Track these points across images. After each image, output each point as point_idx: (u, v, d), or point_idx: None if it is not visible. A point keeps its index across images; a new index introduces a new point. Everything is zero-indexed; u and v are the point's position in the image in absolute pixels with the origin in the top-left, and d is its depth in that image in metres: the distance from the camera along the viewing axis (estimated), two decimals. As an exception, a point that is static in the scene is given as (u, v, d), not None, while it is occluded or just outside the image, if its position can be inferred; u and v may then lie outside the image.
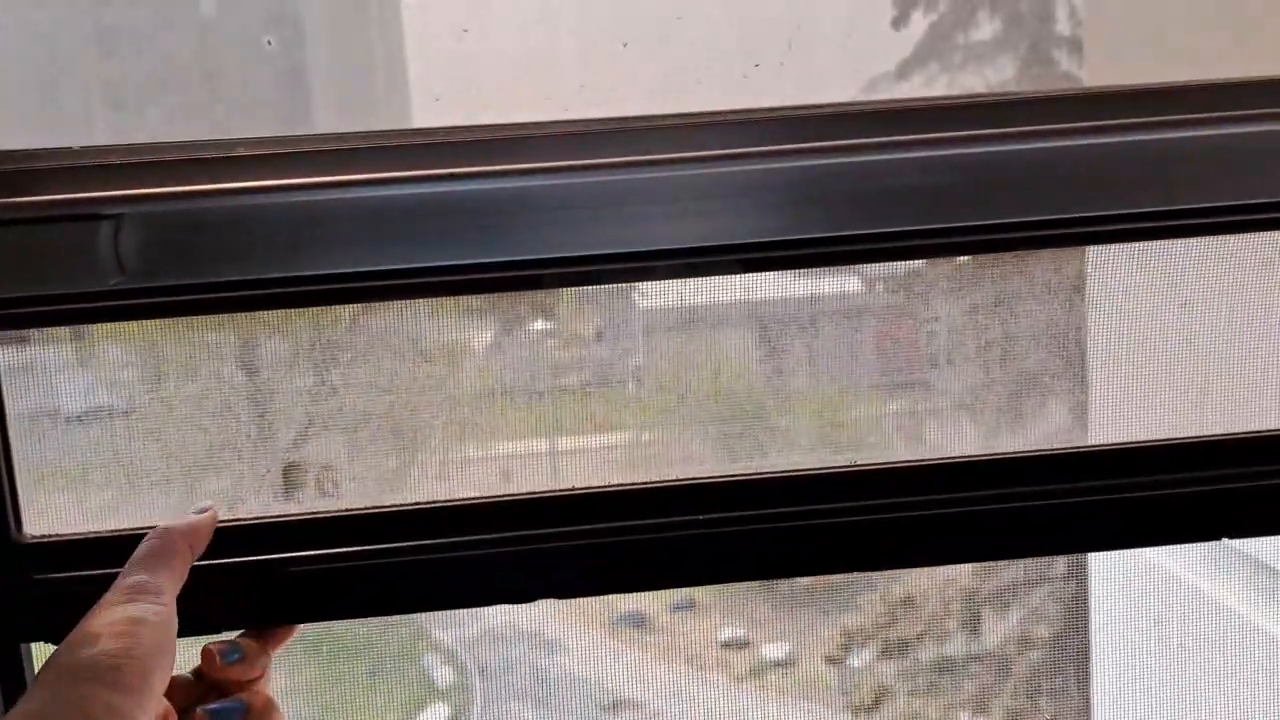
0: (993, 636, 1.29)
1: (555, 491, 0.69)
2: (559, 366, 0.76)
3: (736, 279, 0.69)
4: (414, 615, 1.17)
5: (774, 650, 1.29)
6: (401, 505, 0.68)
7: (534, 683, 1.19)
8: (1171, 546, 1.13)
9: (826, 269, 0.71)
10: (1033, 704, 1.24)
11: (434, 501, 0.69)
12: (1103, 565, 1.16)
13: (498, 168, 0.62)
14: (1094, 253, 0.73)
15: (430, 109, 0.64)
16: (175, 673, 0.59)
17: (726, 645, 1.28)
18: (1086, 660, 1.17)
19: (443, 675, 1.19)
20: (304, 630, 1.00)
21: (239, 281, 0.62)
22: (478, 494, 0.69)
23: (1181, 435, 0.71)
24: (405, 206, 0.61)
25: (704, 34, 0.64)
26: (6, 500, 0.65)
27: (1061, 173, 0.62)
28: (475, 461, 0.73)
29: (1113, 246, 0.72)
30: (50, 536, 0.66)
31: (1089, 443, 0.74)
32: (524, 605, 1.23)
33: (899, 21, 0.98)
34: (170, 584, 0.57)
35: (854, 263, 0.73)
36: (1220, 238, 0.70)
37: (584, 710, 1.18)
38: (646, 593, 1.24)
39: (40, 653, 0.67)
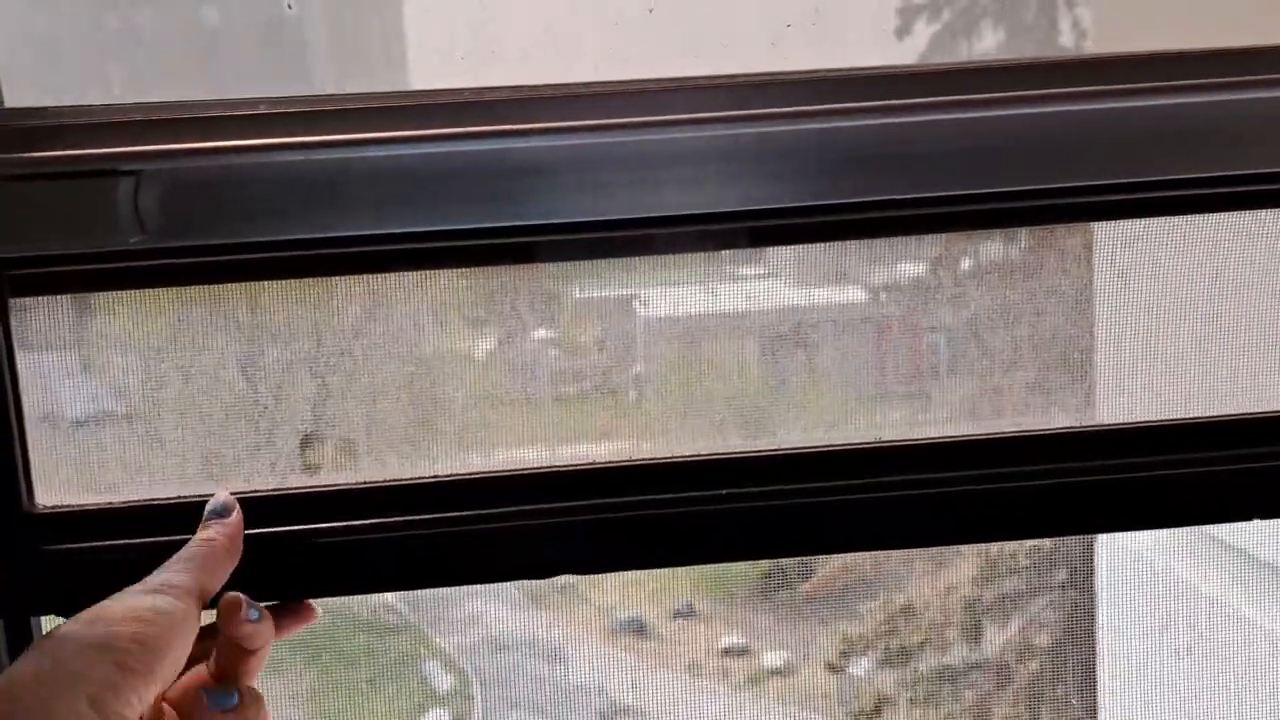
0: (991, 645, 1.28)
1: (577, 465, 0.68)
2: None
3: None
4: (414, 619, 1.16)
5: (773, 658, 1.28)
6: (422, 478, 0.67)
7: (534, 690, 1.18)
8: (1178, 550, 1.13)
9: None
10: (1035, 713, 1.23)
11: (454, 474, 0.68)
12: (1108, 569, 1.16)
13: (504, 128, 0.61)
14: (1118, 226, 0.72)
15: (452, 72, 0.63)
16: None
17: (726, 653, 1.27)
18: (1092, 669, 1.17)
19: (443, 682, 1.18)
20: (304, 637, 0.98)
21: (255, 244, 0.61)
22: (499, 468, 0.68)
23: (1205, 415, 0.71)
24: (408, 167, 0.60)
25: (729, -1, 0.64)
26: (19, 470, 0.63)
27: (1107, 139, 0.62)
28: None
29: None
30: (62, 507, 0.65)
31: (1100, 422, 0.74)
32: (523, 608, 1.21)
33: (901, 31, 0.98)
34: (199, 587, 0.56)
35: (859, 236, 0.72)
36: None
37: (583, 717, 1.17)
38: (651, 593, 1.23)
39: (50, 626, 0.65)
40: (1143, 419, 0.71)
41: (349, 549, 0.65)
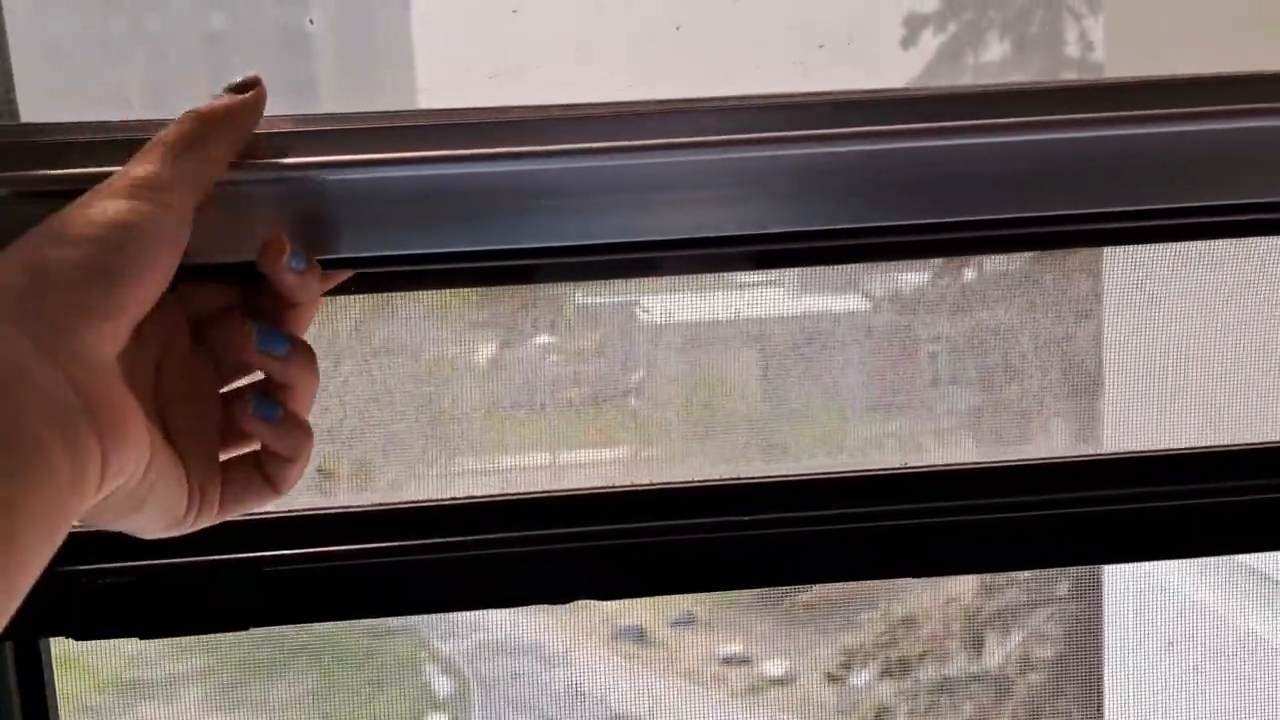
0: (994, 657, 1.29)
1: (591, 490, 0.67)
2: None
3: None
4: (414, 622, 1.15)
5: (773, 667, 1.28)
6: (439, 501, 0.66)
7: (533, 695, 1.18)
8: (1186, 567, 1.13)
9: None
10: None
11: (471, 498, 0.67)
12: (1115, 586, 1.16)
13: (524, 149, 0.59)
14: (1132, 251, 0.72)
15: (481, 89, 0.62)
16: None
17: (726, 661, 1.27)
18: (1099, 683, 1.17)
19: (442, 686, 1.17)
20: (304, 639, 0.97)
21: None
22: (506, 491, 0.67)
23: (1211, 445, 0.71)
24: (415, 189, 0.59)
25: (761, 17, 0.63)
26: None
27: (1127, 164, 0.61)
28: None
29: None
30: (70, 528, 0.63)
31: (1109, 450, 0.73)
32: (523, 613, 1.20)
33: (907, 41, 0.98)
34: (186, 181, 0.45)
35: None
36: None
37: (582, 724, 1.17)
38: (651, 600, 1.23)
39: (59, 648, 0.64)
40: (1150, 448, 0.71)
41: (363, 572, 0.64)
